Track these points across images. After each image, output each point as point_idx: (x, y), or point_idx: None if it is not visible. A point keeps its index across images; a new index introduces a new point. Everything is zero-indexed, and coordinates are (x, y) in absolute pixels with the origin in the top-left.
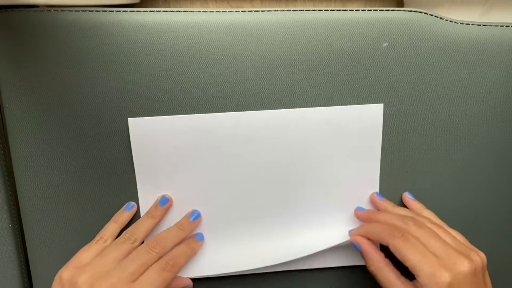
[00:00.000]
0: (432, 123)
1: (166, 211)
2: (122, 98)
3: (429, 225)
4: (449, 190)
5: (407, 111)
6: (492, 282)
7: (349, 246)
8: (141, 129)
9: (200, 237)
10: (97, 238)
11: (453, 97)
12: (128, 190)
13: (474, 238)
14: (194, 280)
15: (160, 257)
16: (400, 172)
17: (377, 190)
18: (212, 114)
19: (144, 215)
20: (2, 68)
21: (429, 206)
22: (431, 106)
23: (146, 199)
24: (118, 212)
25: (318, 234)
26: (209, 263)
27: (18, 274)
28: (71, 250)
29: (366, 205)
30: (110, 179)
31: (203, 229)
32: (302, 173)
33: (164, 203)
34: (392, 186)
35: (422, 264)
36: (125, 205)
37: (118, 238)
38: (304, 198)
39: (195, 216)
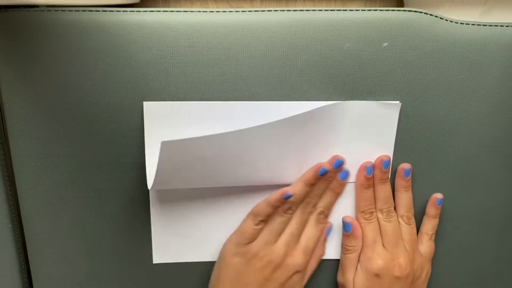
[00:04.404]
0: (431, 123)
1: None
2: (122, 98)
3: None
4: (448, 190)
5: (406, 111)
6: (493, 282)
7: None
8: (155, 112)
9: (343, 176)
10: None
11: (453, 97)
12: (129, 190)
13: (475, 238)
14: (198, 263)
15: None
16: None
17: None
18: (225, 102)
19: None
20: (2, 68)
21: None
22: (430, 106)
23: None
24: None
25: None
26: (214, 250)
27: (18, 274)
28: (71, 250)
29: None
30: (111, 179)
31: (210, 214)
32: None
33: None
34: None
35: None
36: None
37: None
38: None
39: (344, 176)
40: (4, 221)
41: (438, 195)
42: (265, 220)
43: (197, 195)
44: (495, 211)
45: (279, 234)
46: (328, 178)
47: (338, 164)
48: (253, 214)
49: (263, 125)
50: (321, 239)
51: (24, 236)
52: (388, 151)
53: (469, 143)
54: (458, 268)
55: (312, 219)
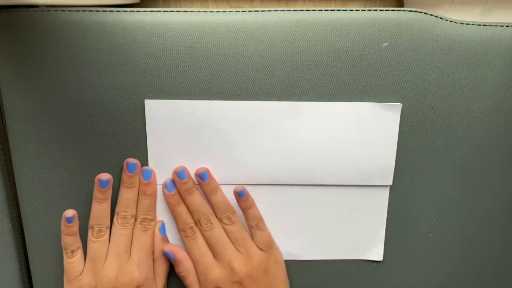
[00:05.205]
0: (431, 123)
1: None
2: (122, 97)
3: (226, 226)
4: (448, 190)
5: (406, 111)
6: (494, 282)
7: (343, 239)
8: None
9: (147, 176)
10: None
11: (453, 97)
12: None
13: (475, 237)
14: None
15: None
16: (399, 172)
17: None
18: (226, 102)
19: (94, 202)
20: (2, 68)
21: (428, 207)
22: (430, 106)
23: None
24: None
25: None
26: None
27: (18, 274)
28: None
29: (376, 202)
30: (112, 178)
31: None
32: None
33: (106, 185)
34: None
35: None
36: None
37: (89, 235)
38: (310, 189)
39: (148, 175)
40: (4, 221)
41: (237, 188)
42: (75, 250)
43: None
44: (495, 211)
45: (103, 258)
46: (131, 185)
47: (133, 169)
48: (63, 248)
49: (263, 123)
50: (157, 241)
51: (24, 236)
52: (390, 152)
53: (470, 143)
54: (458, 268)
55: (137, 230)
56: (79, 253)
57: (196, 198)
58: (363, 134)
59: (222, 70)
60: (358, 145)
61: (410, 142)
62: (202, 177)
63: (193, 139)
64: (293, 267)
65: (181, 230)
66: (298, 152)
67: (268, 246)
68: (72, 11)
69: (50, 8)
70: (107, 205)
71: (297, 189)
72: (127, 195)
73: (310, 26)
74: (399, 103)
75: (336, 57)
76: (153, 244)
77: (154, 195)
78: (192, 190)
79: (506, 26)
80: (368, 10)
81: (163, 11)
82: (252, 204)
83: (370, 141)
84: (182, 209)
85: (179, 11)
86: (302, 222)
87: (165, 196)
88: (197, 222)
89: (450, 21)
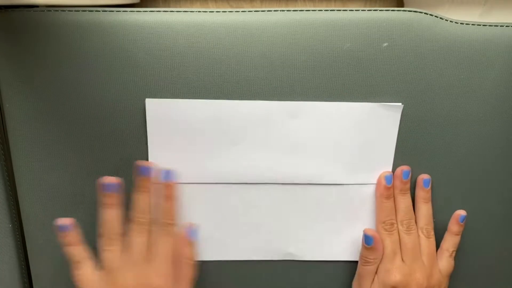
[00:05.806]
0: (431, 123)
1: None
2: (122, 98)
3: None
4: (448, 190)
5: (406, 111)
6: (491, 282)
7: (344, 240)
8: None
9: (166, 176)
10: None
11: (453, 97)
12: (131, 189)
13: (476, 237)
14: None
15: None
16: None
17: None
18: (226, 101)
19: (101, 208)
20: (2, 68)
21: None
22: (430, 106)
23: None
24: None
25: (321, 236)
26: (214, 249)
27: (18, 274)
28: None
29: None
30: None
31: (206, 214)
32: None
33: (110, 189)
34: None
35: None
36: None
37: (100, 244)
38: (310, 189)
39: (167, 175)
40: (4, 221)
41: (462, 212)
42: (81, 261)
43: (198, 194)
44: (495, 211)
45: (119, 267)
46: (144, 188)
47: (146, 172)
48: (73, 262)
49: (263, 123)
50: (186, 243)
51: (24, 236)
52: (389, 152)
53: (470, 143)
54: (457, 267)
55: (159, 236)
56: (87, 264)
57: (407, 200)
58: (363, 134)
59: (222, 70)
60: (358, 145)
61: (410, 142)
62: (425, 184)
63: (194, 138)
64: (293, 267)
65: (381, 222)
66: (298, 152)
67: (447, 275)
68: (72, 11)
69: (50, 8)
70: (116, 210)
71: (297, 188)
72: (141, 200)
73: (310, 26)
74: (400, 104)
75: (336, 57)
76: (172, 250)
77: (175, 197)
78: (408, 191)
79: (506, 26)
80: (368, 10)
81: (163, 11)
82: (460, 233)
83: (370, 141)
84: (390, 204)
85: (179, 11)
86: (302, 222)
87: (380, 187)
88: (399, 222)
89: (450, 21)
